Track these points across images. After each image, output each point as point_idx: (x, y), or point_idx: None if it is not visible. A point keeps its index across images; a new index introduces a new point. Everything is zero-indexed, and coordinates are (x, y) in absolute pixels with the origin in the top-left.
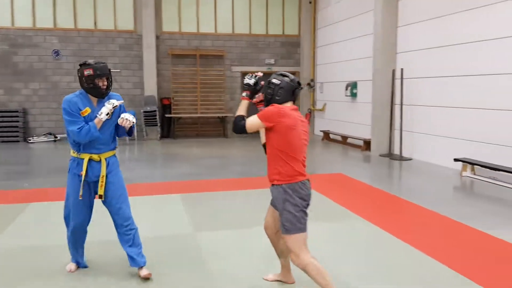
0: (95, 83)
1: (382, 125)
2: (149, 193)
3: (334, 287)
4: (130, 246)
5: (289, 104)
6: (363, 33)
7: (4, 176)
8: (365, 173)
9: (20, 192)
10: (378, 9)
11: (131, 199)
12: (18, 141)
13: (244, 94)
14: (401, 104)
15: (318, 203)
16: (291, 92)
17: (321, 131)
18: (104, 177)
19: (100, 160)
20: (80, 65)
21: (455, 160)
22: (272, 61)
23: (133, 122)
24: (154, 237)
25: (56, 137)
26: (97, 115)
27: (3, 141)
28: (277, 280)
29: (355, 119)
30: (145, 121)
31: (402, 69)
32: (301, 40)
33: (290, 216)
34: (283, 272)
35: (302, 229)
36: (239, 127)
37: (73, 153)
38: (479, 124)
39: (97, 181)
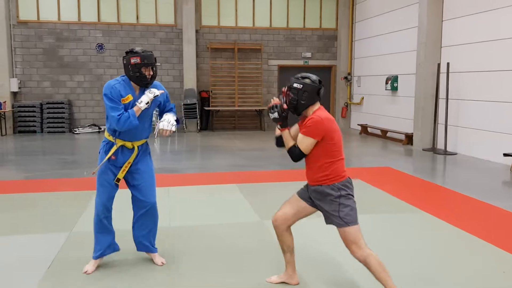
0: (141, 72)
1: (425, 119)
2: (205, 182)
3: (392, 281)
4: (148, 232)
5: (317, 106)
6: (405, 27)
7: (59, 165)
8: (411, 166)
9: (83, 180)
10: (424, 2)
11: (189, 188)
12: (64, 132)
13: (278, 126)
14: (447, 98)
15: (374, 196)
16: (316, 93)
17: (358, 124)
18: (130, 164)
19: (133, 147)
20: (127, 52)
21: (505, 155)
22: (308, 54)
23: (172, 131)
24: (231, 223)
25: (100, 128)
26: (137, 103)
27: (49, 132)
28: (282, 282)
29: (396, 113)
30: (185, 114)
31: (448, 63)
32: (338, 33)
33: (348, 209)
34: (288, 271)
35: (357, 220)
36: (298, 155)
37: (108, 136)
38: None
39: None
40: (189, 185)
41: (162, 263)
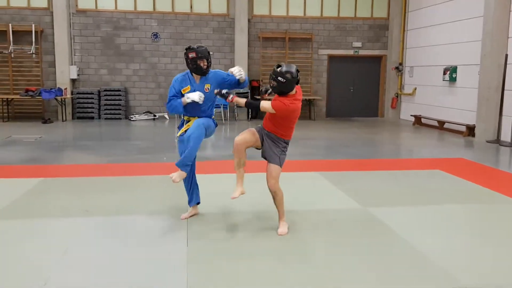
0: (198, 64)
1: (490, 110)
2: (287, 170)
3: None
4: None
5: (294, 91)
6: (465, 17)
7: (136, 151)
8: (483, 158)
9: (164, 165)
10: None
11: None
12: (120, 119)
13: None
14: None
15: (461, 186)
16: (295, 83)
17: (412, 115)
18: (188, 126)
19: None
20: (186, 49)
21: None
22: (359, 44)
23: (242, 77)
24: (330, 209)
25: (155, 116)
26: (185, 96)
27: (107, 118)
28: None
29: (454, 104)
30: None
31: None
32: (390, 23)
33: (284, 157)
34: (241, 183)
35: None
36: (256, 108)
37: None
38: None
39: None
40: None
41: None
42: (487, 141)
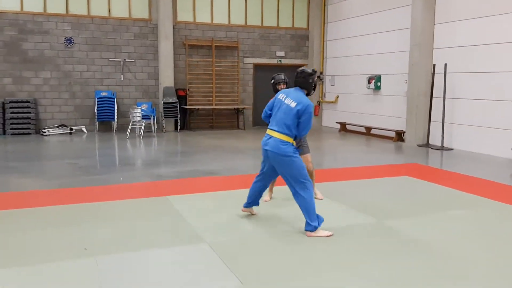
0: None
1: (419, 117)
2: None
3: None
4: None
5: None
6: (388, 29)
7: (80, 171)
8: (431, 162)
9: (129, 186)
10: (418, 6)
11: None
12: (29, 134)
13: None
14: (444, 97)
15: (441, 191)
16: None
17: (337, 122)
18: None
19: None
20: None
21: None
22: (282, 53)
23: None
24: (345, 226)
25: (71, 129)
26: None
27: (14, 134)
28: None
29: (379, 111)
30: (164, 113)
31: (445, 64)
32: (310, 33)
33: None
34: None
35: None
36: None
37: (292, 140)
38: None
39: None
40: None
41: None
42: (418, 145)
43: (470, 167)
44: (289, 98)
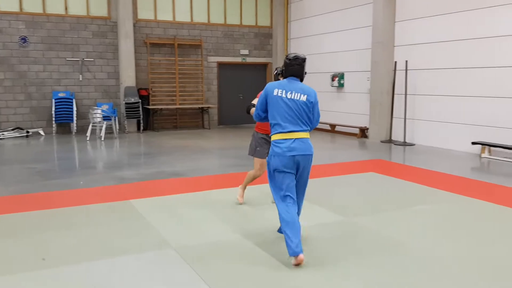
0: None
1: (382, 113)
2: (231, 185)
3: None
4: None
5: None
6: (351, 27)
7: (39, 176)
8: (395, 157)
9: (89, 190)
10: (379, 4)
11: (218, 191)
12: None
13: None
14: (405, 94)
15: (407, 187)
16: None
17: None
18: None
19: None
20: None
21: (473, 143)
22: (246, 51)
23: None
24: (314, 225)
25: (28, 132)
26: None
27: None
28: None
29: (343, 108)
30: (126, 114)
31: (406, 61)
32: (274, 31)
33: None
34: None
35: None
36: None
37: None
38: (478, 111)
39: None
40: (232, 187)
41: None
42: (381, 141)
43: (432, 162)
44: (293, 92)
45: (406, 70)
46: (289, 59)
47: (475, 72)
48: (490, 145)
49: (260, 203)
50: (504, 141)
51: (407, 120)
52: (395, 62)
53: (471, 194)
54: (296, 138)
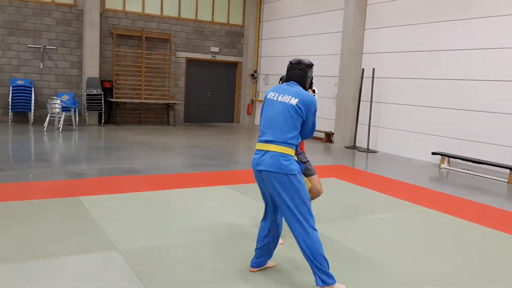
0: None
1: (347, 119)
2: (191, 185)
3: None
4: None
5: None
6: (322, 31)
7: None
8: (357, 163)
9: (38, 184)
10: (350, 10)
11: (175, 191)
12: None
13: None
14: (371, 101)
15: (364, 196)
16: None
17: None
18: None
19: None
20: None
21: (433, 153)
22: (216, 49)
23: None
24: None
25: None
26: None
27: None
28: None
29: None
30: (87, 105)
31: (373, 69)
32: (245, 31)
33: None
34: None
35: None
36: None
37: (291, 152)
38: (440, 122)
39: None
40: (188, 187)
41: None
42: (346, 147)
43: (393, 170)
44: (285, 95)
45: (373, 77)
46: (291, 63)
47: (439, 84)
48: (449, 156)
49: (218, 206)
50: (463, 153)
51: (371, 127)
52: (363, 69)
53: (428, 204)
54: (267, 151)
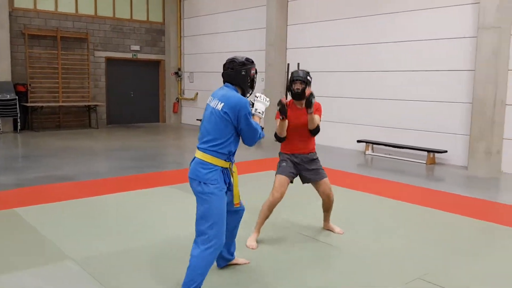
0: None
1: (275, 112)
2: (132, 188)
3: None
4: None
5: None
6: (246, 28)
7: None
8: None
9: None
10: (272, 7)
11: (115, 196)
12: None
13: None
14: None
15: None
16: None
17: (198, 120)
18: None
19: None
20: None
21: (358, 141)
22: (137, 47)
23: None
24: None
25: None
26: (257, 113)
27: None
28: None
29: None
30: (0, 112)
31: (298, 63)
32: (166, 28)
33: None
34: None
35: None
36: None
37: (217, 161)
38: (363, 111)
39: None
40: (127, 191)
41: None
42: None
43: (324, 159)
44: (214, 99)
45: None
46: (225, 63)
47: (360, 76)
48: (372, 143)
49: (165, 207)
50: (384, 139)
51: None
52: (288, 64)
53: (357, 187)
54: (195, 157)
